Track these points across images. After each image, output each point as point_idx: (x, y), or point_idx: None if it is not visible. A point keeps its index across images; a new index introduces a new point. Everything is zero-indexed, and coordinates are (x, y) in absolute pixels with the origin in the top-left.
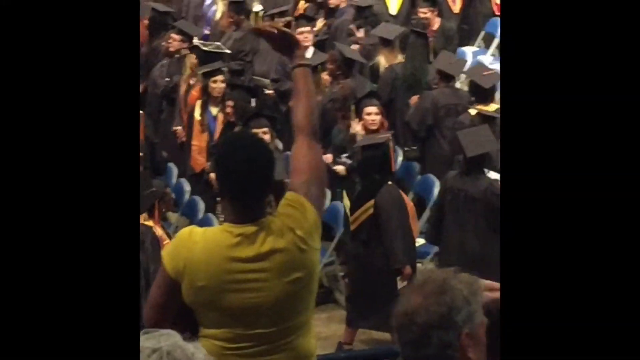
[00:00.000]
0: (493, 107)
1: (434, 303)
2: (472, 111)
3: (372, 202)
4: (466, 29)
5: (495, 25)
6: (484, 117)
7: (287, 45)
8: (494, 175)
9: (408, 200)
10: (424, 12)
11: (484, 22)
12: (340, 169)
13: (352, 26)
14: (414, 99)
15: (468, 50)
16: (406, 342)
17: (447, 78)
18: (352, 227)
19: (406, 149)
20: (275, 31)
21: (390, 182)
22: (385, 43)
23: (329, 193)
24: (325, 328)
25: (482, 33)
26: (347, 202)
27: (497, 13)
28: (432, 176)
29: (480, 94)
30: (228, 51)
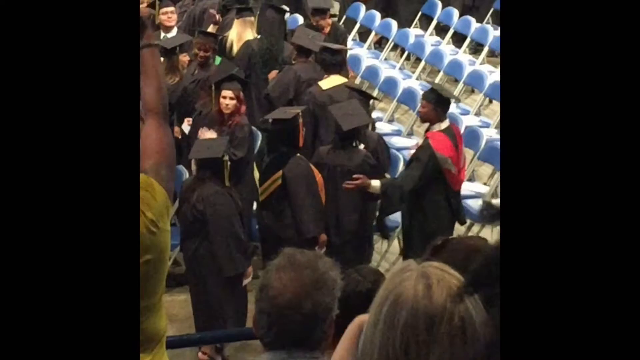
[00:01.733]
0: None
1: (320, 293)
2: (323, 84)
3: (279, 173)
4: None
5: (357, 9)
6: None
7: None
8: (362, 147)
9: (317, 172)
10: (316, 21)
11: (346, 7)
12: None
13: (211, 10)
14: (273, 73)
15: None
16: (281, 332)
17: (306, 53)
18: (261, 198)
19: (261, 120)
20: None
21: (298, 155)
22: (240, 14)
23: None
24: (182, 310)
25: (344, 17)
26: (256, 173)
27: None
28: None
29: (331, 65)
30: None
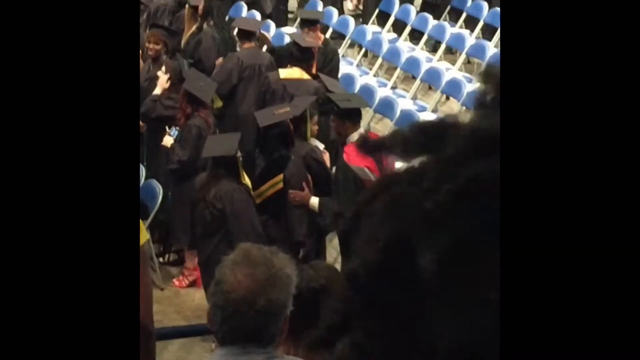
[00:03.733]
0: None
1: (274, 290)
2: (282, 72)
3: (280, 176)
4: (283, 10)
5: (314, 6)
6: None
7: None
8: (317, 143)
9: (308, 174)
10: (306, 32)
11: (304, 3)
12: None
13: None
14: (220, 60)
15: (287, 30)
16: (235, 327)
17: (248, 36)
18: (258, 201)
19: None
20: None
21: (293, 157)
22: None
23: (142, 170)
24: None
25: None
26: (246, 179)
27: None
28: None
29: (296, 59)
30: None
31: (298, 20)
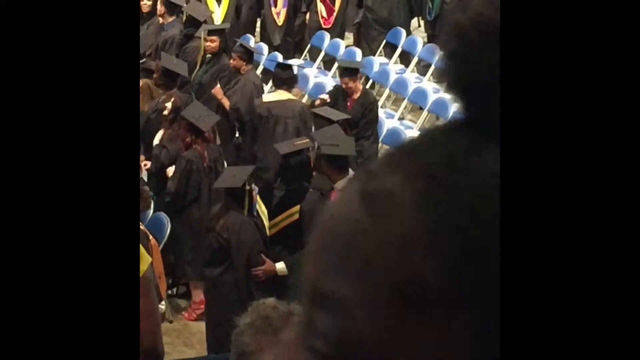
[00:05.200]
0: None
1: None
2: (265, 96)
3: (297, 207)
4: (290, 42)
5: (321, 38)
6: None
7: None
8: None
9: None
10: (346, 82)
11: (311, 36)
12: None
13: None
14: (218, 89)
15: (294, 63)
16: None
17: (249, 58)
18: (271, 232)
19: (237, 136)
20: None
21: (311, 189)
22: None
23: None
24: None
25: (309, 46)
26: (262, 208)
27: (325, 26)
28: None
29: (281, 80)
30: None
31: (319, 60)
